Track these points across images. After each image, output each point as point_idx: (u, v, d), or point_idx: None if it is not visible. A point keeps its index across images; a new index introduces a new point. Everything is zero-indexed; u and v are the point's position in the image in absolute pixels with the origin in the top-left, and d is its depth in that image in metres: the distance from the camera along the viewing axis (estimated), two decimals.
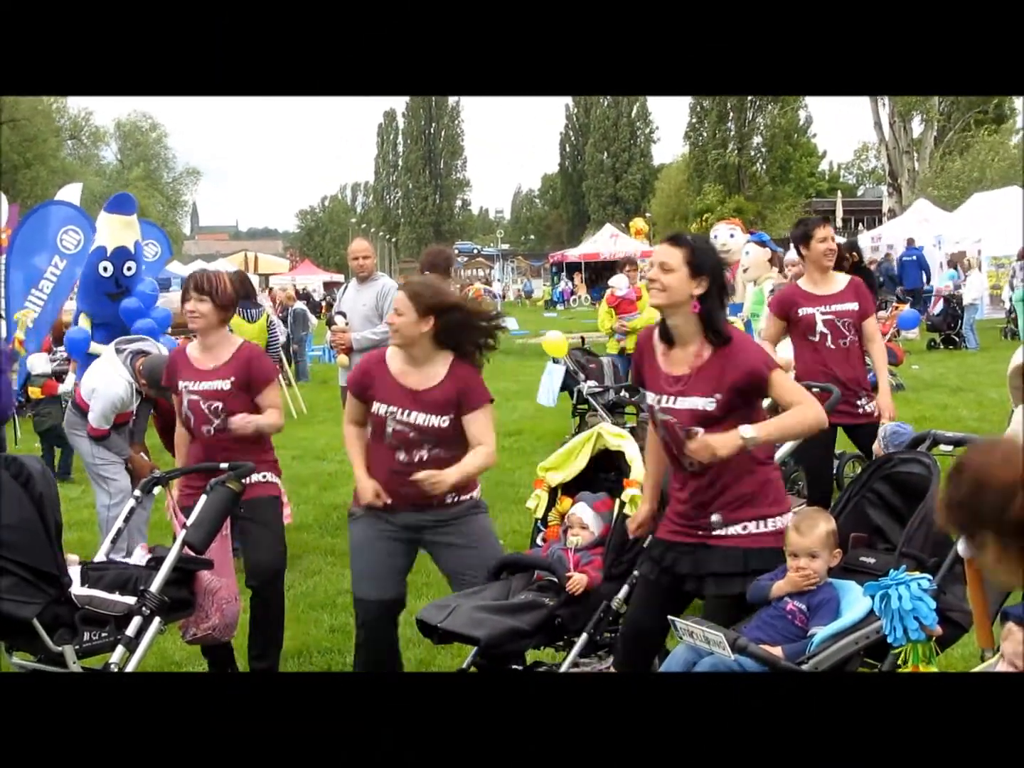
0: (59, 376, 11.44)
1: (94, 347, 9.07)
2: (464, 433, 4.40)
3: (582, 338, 11.20)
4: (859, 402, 6.05)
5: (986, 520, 2.18)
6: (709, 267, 3.74)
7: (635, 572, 4.34)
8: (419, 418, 4.36)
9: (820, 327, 6.07)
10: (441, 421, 4.36)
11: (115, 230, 9.47)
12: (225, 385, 4.95)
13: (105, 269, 9.30)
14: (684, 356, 3.80)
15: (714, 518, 3.78)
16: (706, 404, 3.71)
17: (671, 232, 4.53)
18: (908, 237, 25.61)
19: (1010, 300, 22.01)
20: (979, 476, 2.25)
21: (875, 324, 6.27)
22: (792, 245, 6.55)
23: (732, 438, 3.62)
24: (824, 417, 3.84)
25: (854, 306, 6.08)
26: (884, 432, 5.23)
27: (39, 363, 10.79)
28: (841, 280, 6.20)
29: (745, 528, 3.77)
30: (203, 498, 4.48)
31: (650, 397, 3.90)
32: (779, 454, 4.66)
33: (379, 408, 4.42)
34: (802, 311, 6.11)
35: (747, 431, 3.62)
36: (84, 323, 9.41)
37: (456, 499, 4.46)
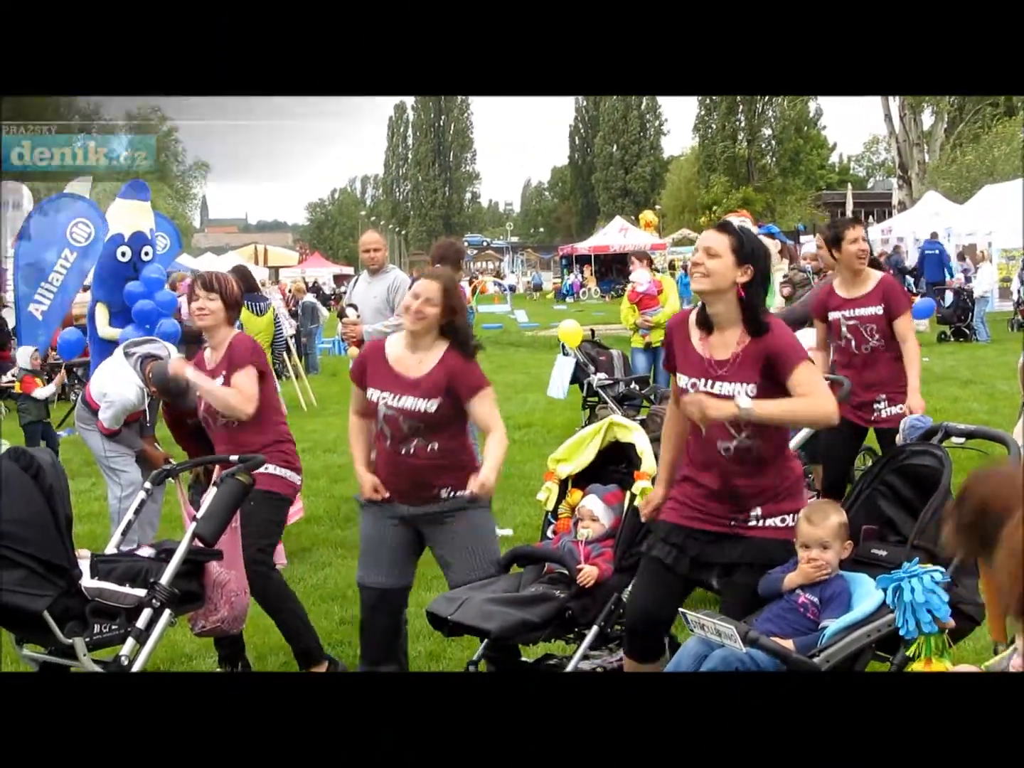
0: (51, 371, 11.44)
1: (112, 332, 9.11)
2: (452, 420, 4.44)
3: (592, 331, 11.17)
4: (877, 406, 5.99)
5: (992, 543, 2.19)
6: (755, 256, 3.73)
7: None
8: (407, 402, 4.39)
9: (844, 332, 6.02)
10: (428, 405, 4.38)
11: (131, 216, 9.51)
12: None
13: (123, 254, 9.34)
14: (724, 342, 3.78)
15: (755, 511, 3.76)
16: (745, 391, 3.69)
17: (720, 220, 4.52)
18: (932, 231, 25.44)
19: (1018, 292, 21.95)
20: (983, 501, 2.29)
21: (907, 323, 6.08)
22: (825, 246, 6.44)
23: (727, 405, 3.62)
24: (836, 417, 3.77)
25: (878, 310, 5.97)
26: (904, 424, 5.21)
27: (23, 357, 10.80)
28: (871, 280, 6.07)
29: (784, 521, 3.77)
30: (213, 490, 4.49)
31: (682, 380, 3.87)
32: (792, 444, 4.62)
33: (372, 394, 4.49)
34: (831, 315, 6.08)
35: (744, 402, 3.61)
36: (102, 312, 9.44)
37: (452, 494, 4.45)
